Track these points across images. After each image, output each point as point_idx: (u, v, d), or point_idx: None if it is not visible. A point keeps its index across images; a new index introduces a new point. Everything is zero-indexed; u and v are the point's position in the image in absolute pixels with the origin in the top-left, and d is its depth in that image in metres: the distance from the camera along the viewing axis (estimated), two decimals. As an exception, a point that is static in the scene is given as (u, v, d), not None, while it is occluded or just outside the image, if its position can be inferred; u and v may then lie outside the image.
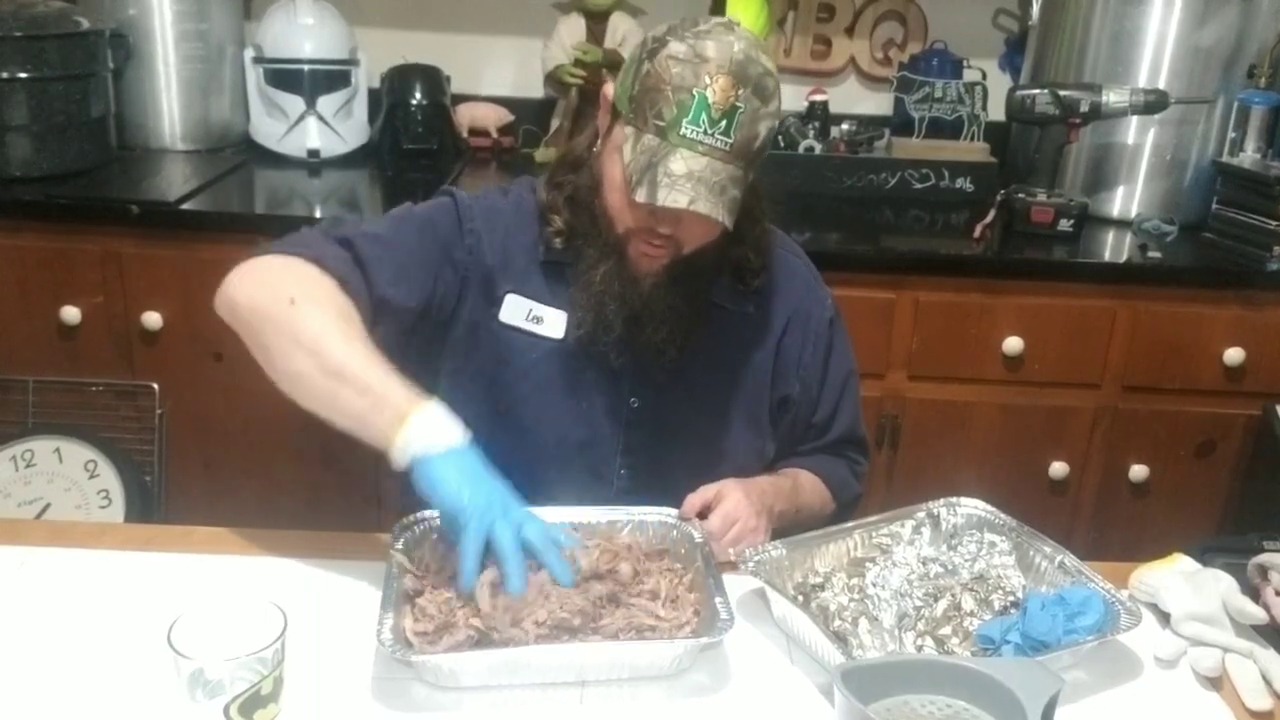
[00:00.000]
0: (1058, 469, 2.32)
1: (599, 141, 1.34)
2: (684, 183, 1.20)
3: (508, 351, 1.39)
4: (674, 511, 1.30)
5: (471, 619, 1.10)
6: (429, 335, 1.40)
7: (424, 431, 1.14)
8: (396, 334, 1.32)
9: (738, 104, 1.20)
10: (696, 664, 1.14)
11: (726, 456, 1.44)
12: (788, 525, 1.39)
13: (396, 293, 1.32)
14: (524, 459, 1.26)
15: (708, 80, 1.19)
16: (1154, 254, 2.24)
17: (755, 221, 1.40)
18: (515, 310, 1.39)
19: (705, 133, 1.20)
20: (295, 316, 1.21)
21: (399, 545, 1.20)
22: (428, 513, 1.25)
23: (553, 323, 1.39)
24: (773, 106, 1.24)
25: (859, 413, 1.58)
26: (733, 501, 1.32)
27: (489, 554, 1.12)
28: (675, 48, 1.21)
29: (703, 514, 1.31)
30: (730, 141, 1.21)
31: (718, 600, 1.14)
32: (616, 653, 1.10)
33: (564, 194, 1.38)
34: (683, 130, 1.20)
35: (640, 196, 1.22)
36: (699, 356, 1.40)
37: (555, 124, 2.72)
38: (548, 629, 1.10)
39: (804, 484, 1.50)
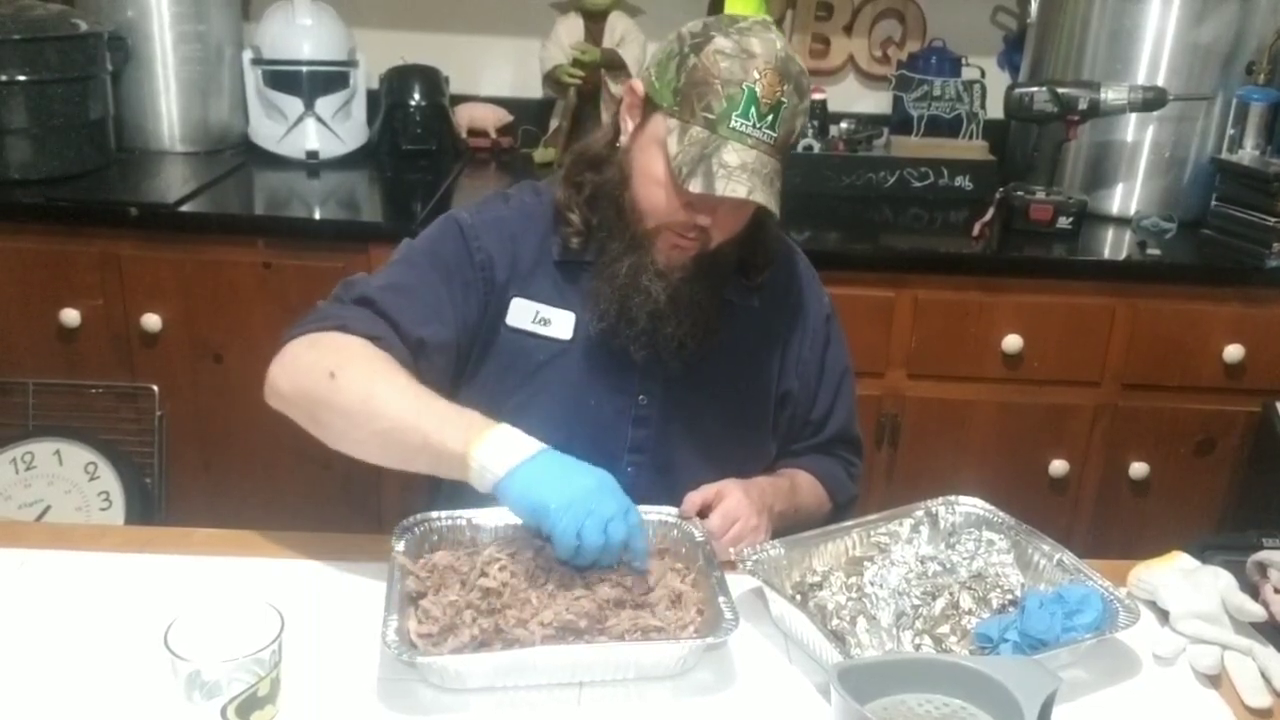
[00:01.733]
0: (1057, 467, 2.32)
1: (623, 137, 1.34)
2: (740, 174, 1.21)
3: (515, 355, 1.39)
4: (674, 510, 1.30)
5: (479, 621, 1.10)
6: (469, 356, 1.41)
7: (492, 458, 1.15)
8: (446, 371, 1.34)
9: (783, 99, 1.22)
10: (698, 664, 1.14)
11: (731, 455, 1.44)
12: (786, 525, 1.39)
13: (429, 332, 1.33)
14: None
15: (756, 75, 1.21)
16: (1153, 251, 2.24)
17: (766, 221, 1.40)
18: (522, 313, 1.39)
19: (754, 126, 1.22)
20: (338, 389, 1.22)
21: (400, 546, 1.20)
22: (429, 514, 1.25)
23: (561, 324, 1.39)
24: (806, 104, 1.27)
25: (854, 412, 1.58)
26: (733, 500, 1.32)
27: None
28: (722, 43, 1.23)
29: (702, 513, 1.31)
30: (775, 135, 1.23)
31: (721, 600, 1.14)
32: (622, 653, 1.10)
33: (583, 194, 1.38)
34: (733, 123, 1.22)
35: (695, 187, 1.22)
36: (708, 352, 1.40)
37: (554, 124, 2.72)
38: (554, 630, 1.10)
39: (801, 484, 1.50)
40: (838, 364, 1.54)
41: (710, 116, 1.22)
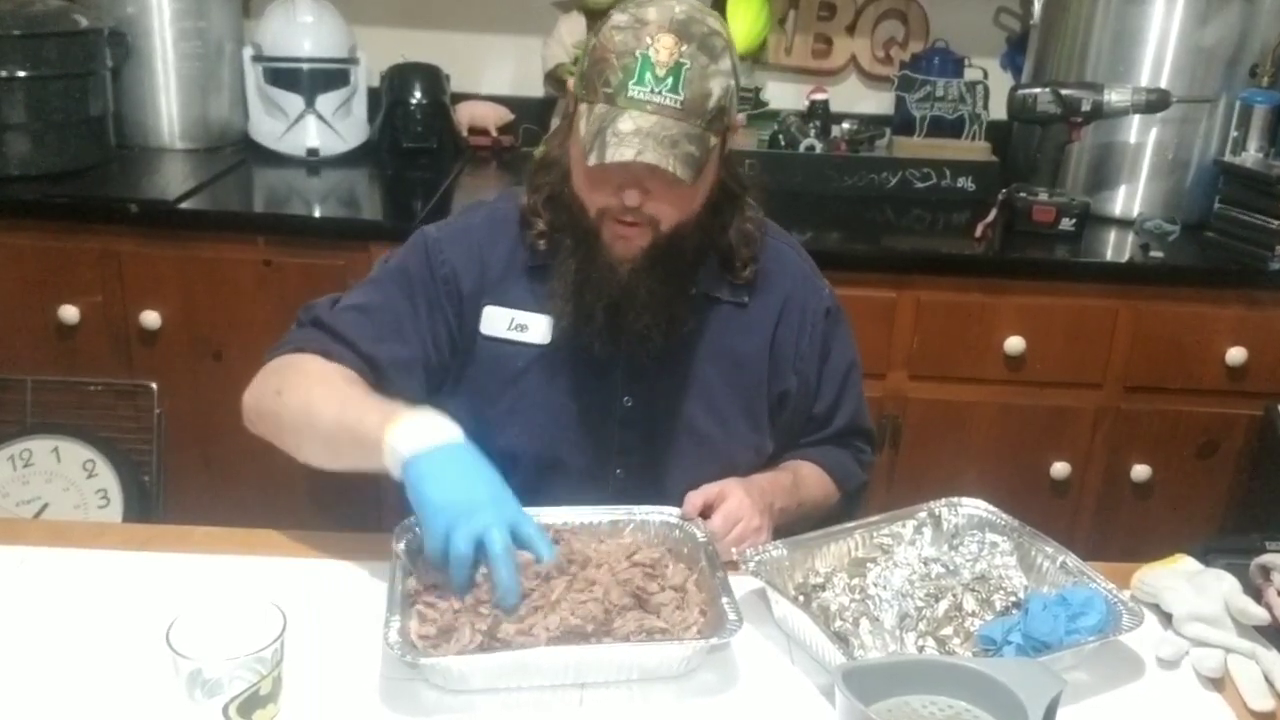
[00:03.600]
0: (1059, 469, 2.31)
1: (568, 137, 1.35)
2: (631, 138, 1.21)
3: (492, 363, 1.39)
4: (676, 511, 1.30)
5: (477, 624, 1.09)
6: (449, 371, 1.41)
7: (402, 440, 1.14)
8: (410, 386, 1.35)
9: (682, 60, 1.21)
10: (701, 665, 1.14)
11: (723, 453, 1.43)
12: (791, 520, 1.39)
13: (384, 350, 1.35)
14: (518, 467, 1.26)
15: (649, 40, 1.21)
16: (1156, 253, 2.24)
17: (739, 208, 1.40)
18: (496, 321, 1.39)
19: (653, 91, 1.21)
20: (283, 404, 1.28)
21: (400, 546, 1.20)
22: None
23: (537, 329, 1.39)
24: (724, 65, 1.25)
25: (863, 404, 1.58)
26: (735, 501, 1.32)
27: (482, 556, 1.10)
28: (618, 18, 1.24)
29: (704, 514, 1.31)
30: (680, 98, 1.22)
31: (724, 601, 1.14)
32: (625, 654, 1.10)
33: (542, 196, 1.38)
34: (630, 93, 1.21)
35: (591, 160, 1.22)
36: (692, 350, 1.40)
37: (555, 123, 2.71)
38: (560, 634, 1.09)
39: (805, 476, 1.49)
40: (842, 359, 1.52)
41: (609, 90, 1.22)
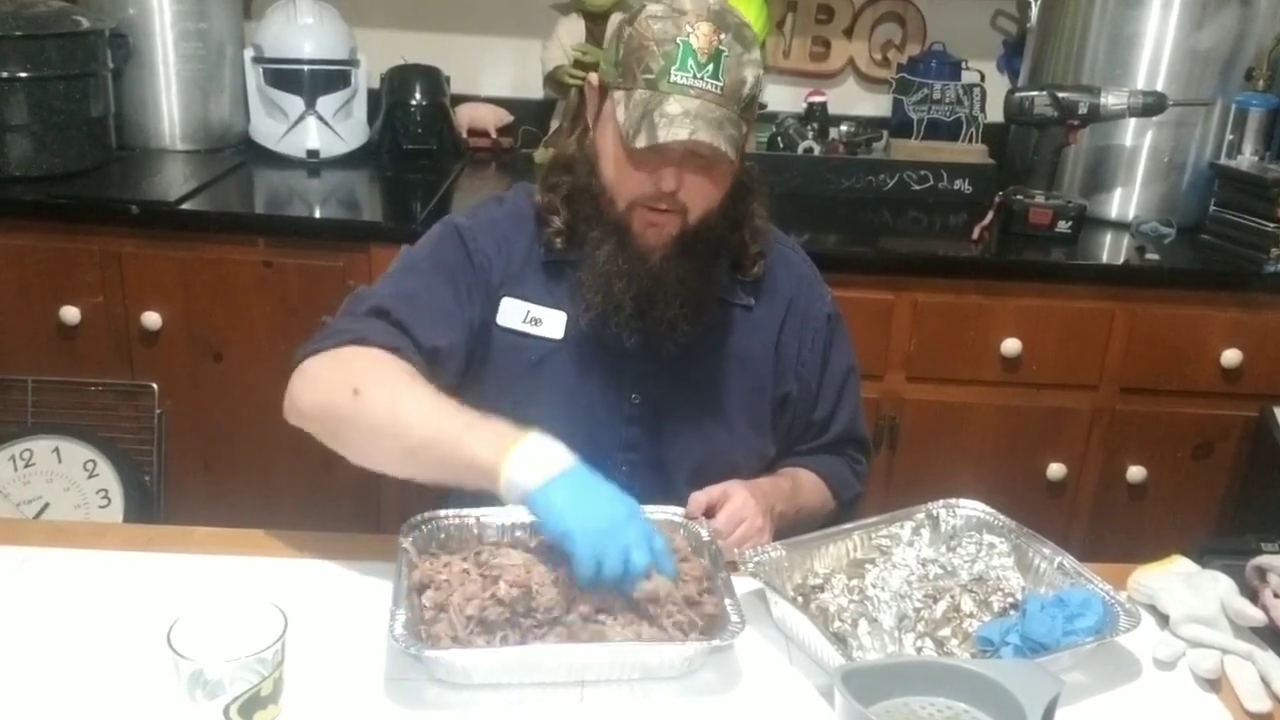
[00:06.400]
0: (1055, 470, 2.32)
1: (591, 132, 1.36)
2: (682, 119, 1.22)
3: (508, 355, 1.40)
4: (680, 510, 1.31)
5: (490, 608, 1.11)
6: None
7: (521, 471, 1.13)
8: (456, 375, 1.34)
9: (721, 47, 1.23)
10: (701, 665, 1.14)
11: (727, 454, 1.44)
12: (788, 526, 1.40)
13: (442, 340, 1.34)
14: None
15: (689, 28, 1.23)
16: (1152, 256, 2.25)
17: (750, 205, 1.41)
18: (512, 313, 1.40)
19: (695, 76, 1.23)
20: (363, 406, 1.22)
21: (408, 541, 1.21)
22: (437, 512, 1.25)
23: (552, 323, 1.40)
24: (754, 55, 1.27)
25: (860, 412, 1.58)
26: (739, 501, 1.33)
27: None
28: (653, 8, 1.26)
29: (708, 513, 1.31)
30: (720, 84, 1.24)
31: (727, 602, 1.14)
32: (627, 653, 1.11)
33: (560, 194, 1.39)
34: (673, 77, 1.23)
35: (640, 142, 1.23)
36: (701, 350, 1.41)
37: (554, 125, 2.72)
38: (590, 610, 1.12)
39: (804, 484, 1.50)
40: (841, 364, 1.53)
41: (650, 76, 1.24)
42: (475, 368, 1.41)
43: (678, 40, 1.23)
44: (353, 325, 1.32)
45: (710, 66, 1.23)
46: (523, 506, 1.15)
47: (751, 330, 1.46)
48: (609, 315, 1.35)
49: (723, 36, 1.23)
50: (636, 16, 1.27)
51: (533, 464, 1.14)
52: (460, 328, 1.37)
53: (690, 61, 1.23)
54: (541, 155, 2.66)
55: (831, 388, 1.53)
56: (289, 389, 1.28)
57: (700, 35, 1.23)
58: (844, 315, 1.56)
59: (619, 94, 1.27)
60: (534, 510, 1.14)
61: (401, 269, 1.42)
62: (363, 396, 1.21)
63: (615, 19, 1.31)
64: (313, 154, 2.58)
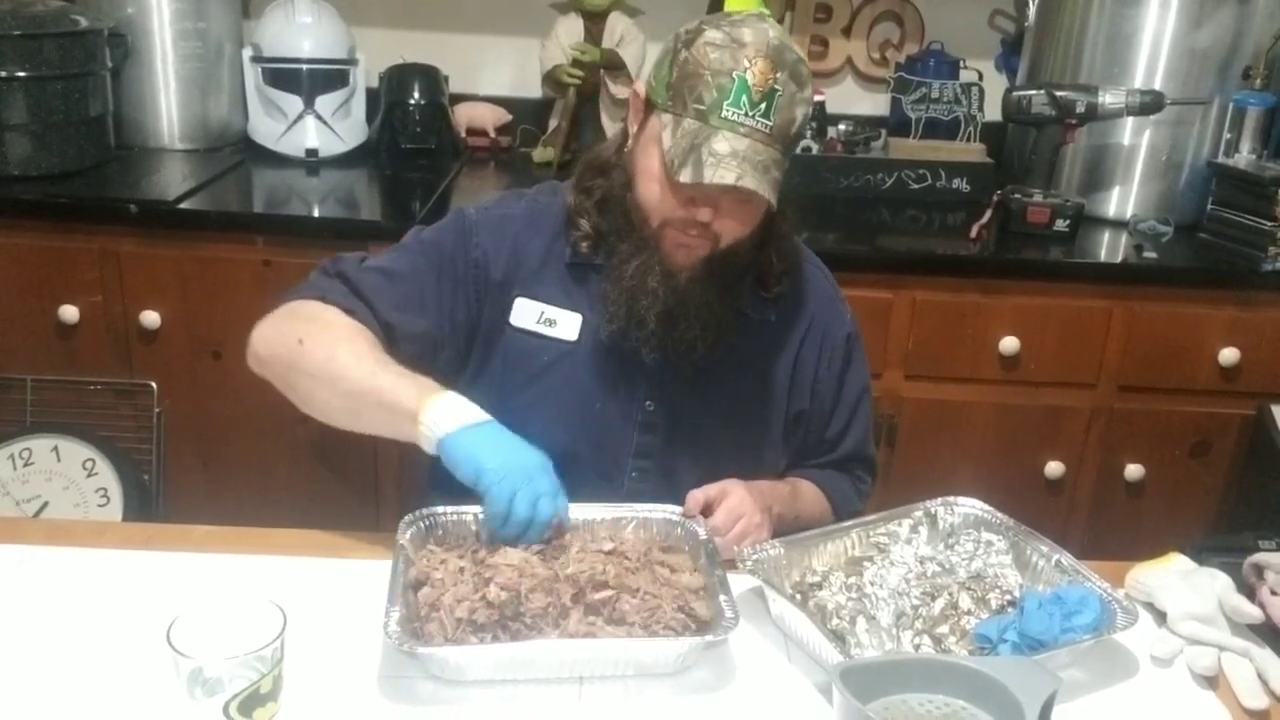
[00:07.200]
0: (1053, 468, 2.33)
1: (630, 141, 1.35)
2: (730, 161, 1.21)
3: (519, 355, 1.40)
4: (678, 509, 1.31)
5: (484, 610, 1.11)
6: (460, 352, 1.42)
7: (441, 415, 1.20)
8: (419, 357, 1.35)
9: (776, 87, 1.22)
10: (697, 661, 1.14)
11: (737, 466, 1.42)
12: (784, 530, 1.39)
13: (402, 318, 1.35)
14: None
15: (746, 64, 1.21)
16: (1150, 254, 2.25)
17: (779, 225, 1.40)
18: (525, 314, 1.40)
19: (746, 114, 1.22)
20: (305, 353, 1.29)
21: (405, 538, 1.21)
22: (434, 508, 1.26)
23: (566, 325, 1.39)
24: (807, 93, 1.26)
25: (869, 432, 1.58)
26: (737, 498, 1.32)
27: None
28: (712, 35, 1.24)
29: (705, 511, 1.31)
30: (770, 124, 1.23)
31: (722, 598, 1.14)
32: (622, 650, 1.11)
33: (593, 198, 1.38)
34: (724, 113, 1.22)
35: (685, 177, 1.23)
36: (718, 361, 1.40)
37: (553, 124, 2.72)
38: (582, 581, 1.14)
39: (804, 492, 1.50)
40: (856, 384, 1.53)
41: (701, 107, 1.23)
42: (482, 363, 1.41)
43: (734, 74, 1.21)
44: (319, 283, 1.37)
45: (763, 105, 1.22)
46: (435, 452, 1.21)
47: (771, 345, 1.45)
48: (630, 330, 1.35)
49: (778, 75, 1.22)
50: (695, 40, 1.24)
51: (451, 412, 1.21)
52: (431, 314, 1.38)
53: (744, 99, 1.21)
54: (540, 154, 2.66)
55: (846, 407, 1.52)
56: (250, 337, 1.35)
57: (757, 72, 1.21)
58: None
59: (667, 117, 1.26)
60: (449, 453, 1.19)
61: (400, 245, 1.44)
62: (305, 345, 1.29)
63: (671, 38, 1.30)
64: (311, 153, 2.58)
